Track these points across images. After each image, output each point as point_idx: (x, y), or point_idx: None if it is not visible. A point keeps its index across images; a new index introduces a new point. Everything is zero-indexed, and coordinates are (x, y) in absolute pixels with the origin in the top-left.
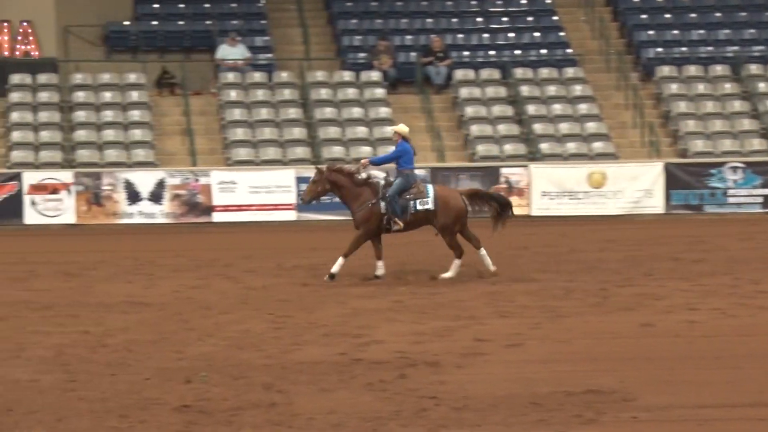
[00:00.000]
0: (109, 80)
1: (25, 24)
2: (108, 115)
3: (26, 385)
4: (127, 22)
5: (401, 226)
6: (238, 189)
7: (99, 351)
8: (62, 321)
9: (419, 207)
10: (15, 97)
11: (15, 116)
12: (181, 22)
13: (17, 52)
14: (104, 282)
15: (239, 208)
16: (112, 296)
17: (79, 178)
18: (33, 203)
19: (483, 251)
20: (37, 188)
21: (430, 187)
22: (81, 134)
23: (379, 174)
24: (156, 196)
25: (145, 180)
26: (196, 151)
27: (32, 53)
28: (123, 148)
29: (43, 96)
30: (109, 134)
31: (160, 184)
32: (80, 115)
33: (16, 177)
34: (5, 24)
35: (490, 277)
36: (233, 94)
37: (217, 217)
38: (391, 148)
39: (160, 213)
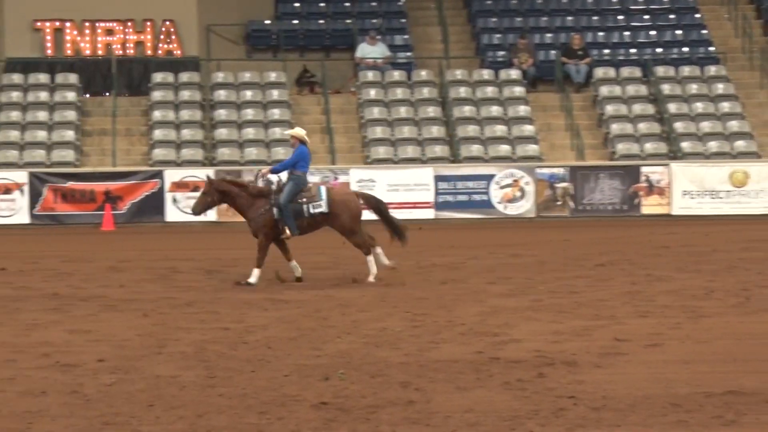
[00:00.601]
0: (249, 79)
1: (167, 23)
2: (248, 113)
3: (167, 380)
4: (268, 21)
5: (289, 236)
6: (377, 187)
7: (239, 348)
8: (203, 318)
9: (313, 211)
10: (157, 95)
11: (157, 114)
12: (321, 21)
13: (160, 51)
14: (244, 279)
15: None
16: (252, 293)
17: (219, 176)
18: (174, 200)
19: (378, 249)
20: (179, 186)
21: (323, 189)
22: (222, 132)
23: (272, 178)
24: None
25: (284, 178)
26: (336, 149)
27: (175, 52)
28: (263, 146)
29: (185, 94)
30: (250, 132)
31: None
32: (221, 114)
33: (158, 175)
34: (148, 23)
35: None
36: (372, 93)
37: None
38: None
39: None
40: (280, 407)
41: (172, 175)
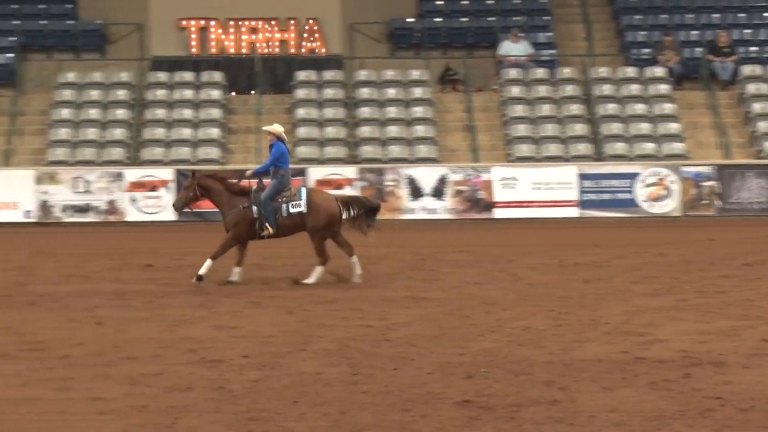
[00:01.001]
0: (392, 77)
1: (311, 21)
2: (391, 111)
3: (311, 377)
4: (410, 20)
5: (271, 232)
6: (520, 185)
7: (382, 345)
8: (346, 315)
9: (292, 210)
10: (301, 93)
11: (301, 112)
12: (464, 19)
13: (303, 50)
14: (387, 277)
15: (520, 204)
16: (395, 291)
17: (362, 174)
18: None
19: (354, 259)
20: (322, 183)
21: (304, 190)
22: (365, 130)
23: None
24: (438, 192)
25: (427, 176)
26: (478, 147)
27: (318, 50)
28: (406, 144)
29: (328, 92)
30: (393, 130)
31: (442, 180)
32: (364, 112)
33: (302, 172)
34: (292, 21)
35: (350, 284)
36: (515, 91)
37: (499, 213)
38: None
39: (441, 209)
40: (424, 405)
41: (315, 173)
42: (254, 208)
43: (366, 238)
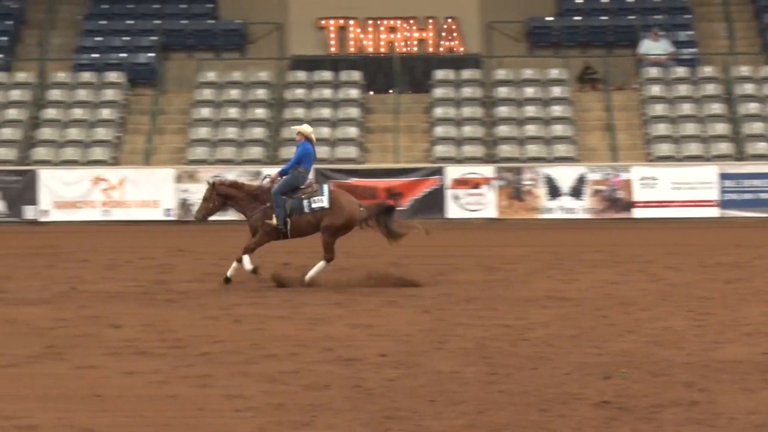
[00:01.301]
0: (531, 76)
1: (450, 21)
2: (530, 110)
3: (448, 376)
4: (549, 18)
5: (275, 223)
6: (660, 185)
7: (519, 345)
8: (483, 314)
9: (314, 206)
10: (439, 92)
11: (438, 111)
12: (603, 18)
13: (441, 49)
14: (525, 276)
15: (660, 204)
16: (532, 291)
17: (500, 173)
18: (455, 198)
19: (323, 263)
20: (459, 183)
21: (326, 188)
22: (502, 129)
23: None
24: (576, 192)
25: (565, 175)
26: (617, 146)
27: (456, 49)
28: (544, 143)
29: (466, 91)
30: (531, 129)
31: (581, 180)
32: (502, 111)
33: (439, 171)
34: (430, 21)
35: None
36: (655, 90)
37: (638, 213)
38: None
39: (580, 208)
40: (562, 405)
41: (452, 172)
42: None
43: (397, 243)
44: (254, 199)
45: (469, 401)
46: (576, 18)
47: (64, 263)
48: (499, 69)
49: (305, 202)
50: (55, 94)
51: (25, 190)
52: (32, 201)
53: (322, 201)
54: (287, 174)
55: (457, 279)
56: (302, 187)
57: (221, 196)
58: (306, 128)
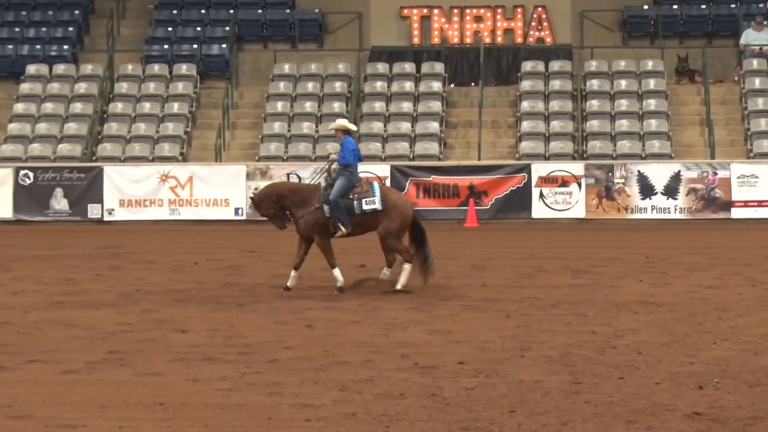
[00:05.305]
0: (625, 68)
1: (539, 9)
2: (623, 104)
3: (530, 385)
4: (645, 7)
5: (344, 232)
6: (760, 184)
7: (607, 352)
8: (569, 320)
9: (365, 207)
10: (526, 85)
11: (525, 105)
12: (703, 6)
13: (530, 39)
14: (614, 280)
15: (760, 204)
16: (622, 295)
17: (590, 171)
18: (541, 196)
19: (386, 271)
20: (546, 180)
21: (377, 186)
22: (593, 124)
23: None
24: (671, 190)
25: (659, 173)
26: (716, 142)
27: (546, 40)
28: (637, 138)
29: (556, 84)
30: (623, 124)
31: (676, 178)
32: (593, 104)
33: (525, 168)
34: (519, 9)
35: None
36: (757, 82)
37: (736, 213)
38: None
39: (674, 208)
40: (651, 416)
41: (539, 169)
42: (325, 208)
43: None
44: (302, 198)
45: (552, 412)
46: (674, 6)
47: (128, 264)
48: (591, 60)
49: (356, 203)
50: (123, 87)
51: (89, 188)
52: (97, 199)
53: (374, 202)
54: (346, 166)
55: (542, 282)
56: (351, 187)
57: (275, 202)
58: (344, 123)
